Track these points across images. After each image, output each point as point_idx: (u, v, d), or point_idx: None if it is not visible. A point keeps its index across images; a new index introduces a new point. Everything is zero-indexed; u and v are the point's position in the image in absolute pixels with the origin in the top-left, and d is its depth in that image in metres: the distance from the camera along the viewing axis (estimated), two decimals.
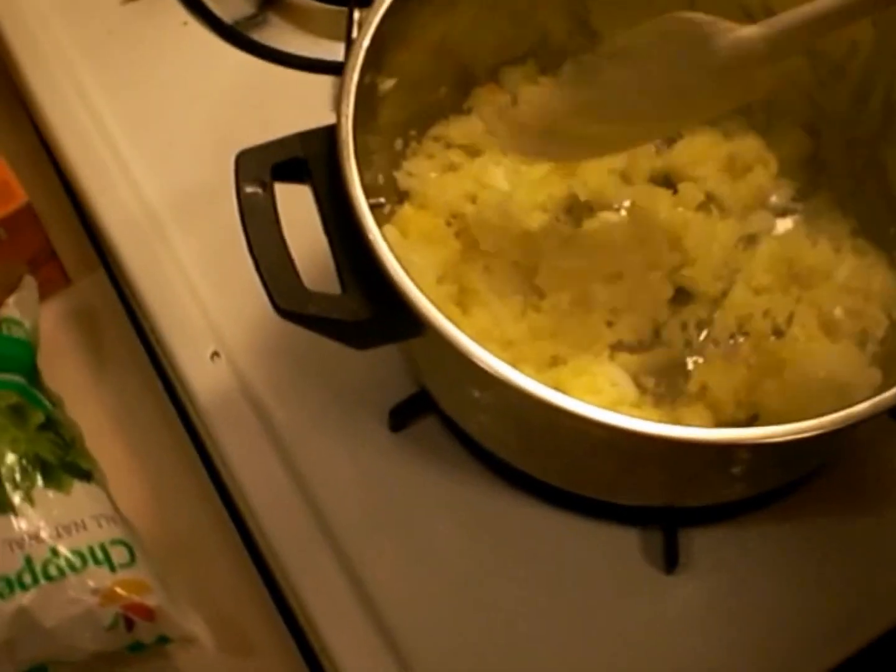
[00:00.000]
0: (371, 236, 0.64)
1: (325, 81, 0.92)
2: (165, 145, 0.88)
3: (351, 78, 0.68)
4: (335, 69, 0.92)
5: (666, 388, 0.78)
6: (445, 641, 0.74)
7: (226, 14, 0.94)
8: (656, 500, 0.76)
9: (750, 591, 0.75)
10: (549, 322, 0.76)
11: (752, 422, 0.75)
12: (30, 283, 0.84)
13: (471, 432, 0.76)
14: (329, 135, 0.68)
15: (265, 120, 0.87)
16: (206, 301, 0.82)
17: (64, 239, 0.87)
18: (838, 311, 0.78)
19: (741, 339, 0.79)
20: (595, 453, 0.69)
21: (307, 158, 0.68)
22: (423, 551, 0.77)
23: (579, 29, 0.83)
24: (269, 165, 0.67)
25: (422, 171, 0.80)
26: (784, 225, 0.84)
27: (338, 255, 0.66)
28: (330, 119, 0.84)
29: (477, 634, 0.74)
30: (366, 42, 0.70)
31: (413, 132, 0.80)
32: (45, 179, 0.89)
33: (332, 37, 0.95)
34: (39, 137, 0.93)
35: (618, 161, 0.82)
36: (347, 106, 0.68)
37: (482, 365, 0.61)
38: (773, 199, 0.85)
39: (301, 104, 0.89)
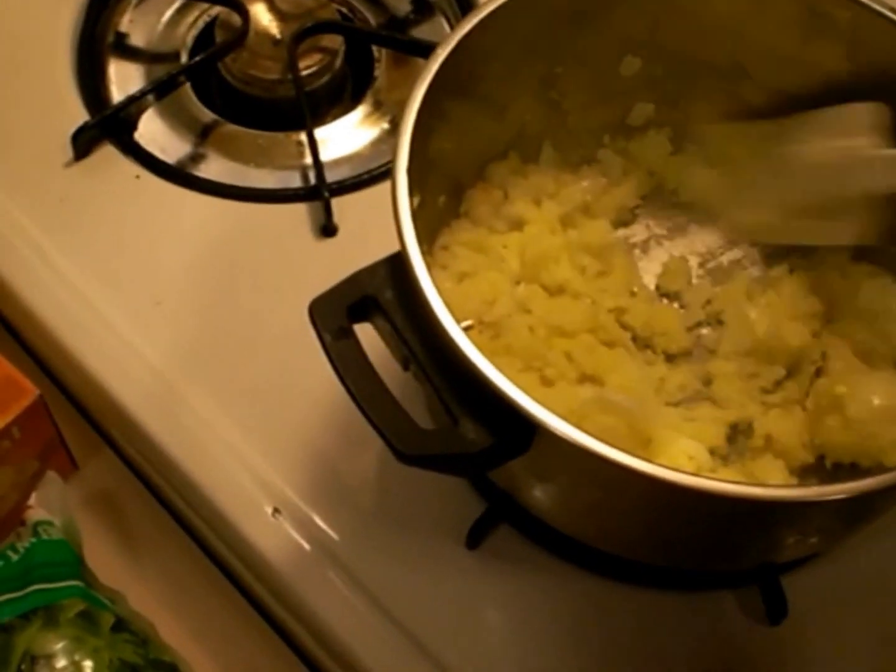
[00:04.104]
0: (482, 365, 0.61)
1: (280, 209, 0.91)
2: (152, 304, 0.85)
3: (403, 203, 0.67)
4: (285, 197, 0.92)
5: (731, 446, 0.77)
6: None
7: (168, 157, 0.92)
8: (753, 561, 0.75)
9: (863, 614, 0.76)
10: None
11: (820, 462, 0.76)
12: (51, 479, 0.79)
13: (564, 528, 0.75)
14: (391, 267, 0.66)
15: (237, 256, 0.88)
16: (248, 458, 0.79)
17: (60, 425, 0.82)
18: (868, 337, 0.78)
19: (789, 384, 0.78)
20: (703, 523, 0.69)
21: (376, 295, 0.65)
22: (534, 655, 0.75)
23: (552, 112, 0.83)
24: (343, 310, 0.65)
25: (440, 284, 0.77)
26: (782, 268, 0.84)
27: (439, 388, 0.64)
28: (300, 245, 0.88)
29: None
30: (405, 165, 0.68)
31: (425, 246, 0.78)
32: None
33: (266, 163, 0.94)
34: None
35: None
36: (410, 234, 0.65)
37: (621, 463, 0.60)
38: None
39: (266, 235, 0.89)
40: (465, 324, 0.63)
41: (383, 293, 0.65)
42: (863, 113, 0.72)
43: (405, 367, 0.66)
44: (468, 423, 0.63)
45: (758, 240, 0.81)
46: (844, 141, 0.72)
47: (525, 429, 0.61)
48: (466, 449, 0.63)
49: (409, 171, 0.67)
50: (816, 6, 0.76)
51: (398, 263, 0.65)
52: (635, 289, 0.82)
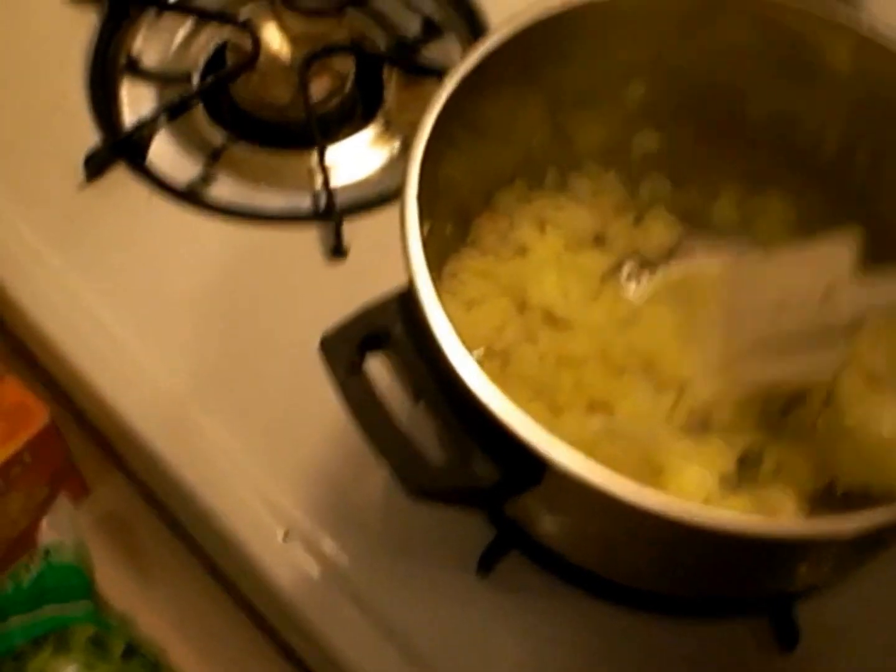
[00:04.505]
0: (492, 401, 0.62)
1: (291, 231, 0.91)
2: (163, 326, 0.85)
3: (413, 236, 0.67)
4: (295, 218, 0.92)
5: (741, 473, 0.78)
6: None
7: (180, 178, 0.92)
8: (765, 591, 0.76)
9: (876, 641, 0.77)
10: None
11: (831, 487, 0.76)
12: (62, 503, 0.80)
13: (574, 558, 0.76)
14: (401, 300, 0.66)
15: (248, 278, 0.88)
16: (259, 481, 0.79)
17: (73, 447, 0.83)
18: (878, 361, 0.78)
19: (798, 411, 0.79)
20: (714, 556, 0.69)
21: (386, 328, 0.66)
22: None
23: (557, 137, 0.83)
24: (355, 345, 0.65)
25: (449, 311, 0.78)
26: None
27: (449, 422, 0.64)
28: (310, 267, 0.88)
29: None
30: (414, 192, 0.68)
31: (434, 273, 0.78)
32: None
33: (277, 184, 0.94)
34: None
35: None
36: (421, 267, 0.66)
37: (633, 502, 0.60)
38: None
39: (277, 257, 0.89)
40: (475, 355, 0.63)
41: (394, 326, 0.66)
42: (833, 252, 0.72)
43: (415, 400, 0.66)
44: (478, 457, 0.63)
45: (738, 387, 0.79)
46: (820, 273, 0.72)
47: (535, 464, 0.61)
48: (476, 483, 0.63)
49: (419, 199, 0.68)
50: (818, 32, 0.77)
51: (408, 297, 0.65)
52: (621, 317, 0.81)
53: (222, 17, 0.99)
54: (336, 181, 0.92)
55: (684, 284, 0.84)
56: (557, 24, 0.76)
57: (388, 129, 0.96)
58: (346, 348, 0.65)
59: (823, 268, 0.72)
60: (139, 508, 0.85)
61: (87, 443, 0.86)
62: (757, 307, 0.75)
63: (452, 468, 0.64)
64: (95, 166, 0.90)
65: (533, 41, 0.76)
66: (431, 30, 1.02)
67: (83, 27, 0.99)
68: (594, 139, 0.84)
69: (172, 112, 0.94)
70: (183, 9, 1.01)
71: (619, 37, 0.79)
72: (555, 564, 0.77)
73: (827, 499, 0.76)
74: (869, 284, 0.69)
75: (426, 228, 0.68)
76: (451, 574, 0.77)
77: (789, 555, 0.67)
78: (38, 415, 0.77)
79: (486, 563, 0.77)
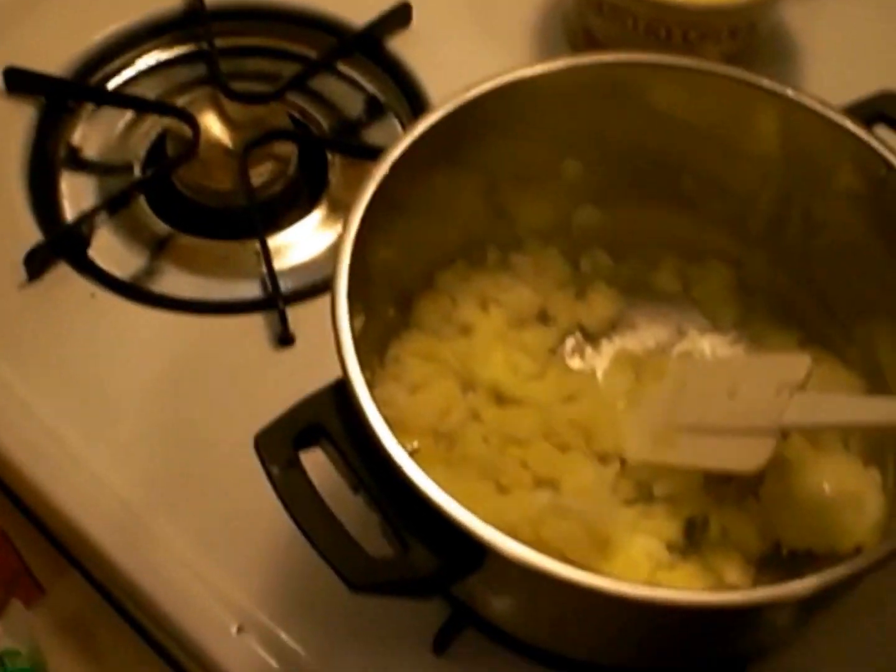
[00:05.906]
0: (428, 490, 0.62)
1: (238, 321, 0.91)
2: (110, 425, 0.85)
3: (344, 326, 0.67)
4: (242, 307, 0.92)
5: (689, 539, 0.78)
6: None
7: (124, 273, 0.92)
8: (717, 657, 0.76)
9: None
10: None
11: (777, 549, 0.77)
12: (16, 607, 0.79)
13: (524, 636, 0.76)
14: (335, 392, 0.66)
15: (195, 371, 0.88)
16: (210, 576, 0.79)
17: (24, 549, 0.82)
18: None
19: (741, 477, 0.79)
20: (661, 629, 0.70)
21: (322, 422, 0.66)
22: None
23: (496, 216, 0.84)
24: (289, 440, 0.65)
25: (393, 396, 0.78)
26: (736, 352, 0.85)
27: (387, 513, 0.64)
28: (258, 356, 0.88)
29: None
30: (344, 286, 0.68)
31: (375, 359, 0.79)
32: None
33: (224, 274, 0.94)
34: None
35: None
36: (353, 363, 0.66)
37: (572, 580, 0.61)
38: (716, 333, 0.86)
39: (224, 348, 0.89)
40: (411, 447, 0.63)
41: (329, 420, 0.66)
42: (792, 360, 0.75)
43: (355, 492, 0.66)
44: (418, 546, 0.63)
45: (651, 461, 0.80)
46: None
47: (475, 549, 0.62)
48: (416, 574, 0.63)
49: (351, 288, 0.68)
50: (746, 98, 0.78)
51: (342, 389, 0.65)
52: (566, 393, 0.82)
53: (161, 108, 0.99)
54: (283, 266, 0.92)
55: (626, 357, 0.84)
56: (487, 102, 0.77)
57: (335, 212, 0.96)
58: (280, 444, 0.65)
59: (780, 370, 0.73)
60: (96, 606, 0.84)
61: (40, 543, 0.85)
62: (707, 390, 0.76)
63: (392, 560, 0.64)
64: (36, 265, 0.89)
65: (464, 121, 0.76)
66: (374, 109, 1.02)
67: (21, 120, 0.99)
68: (534, 217, 0.85)
69: (113, 205, 0.94)
70: (121, 101, 1.01)
71: (550, 112, 0.80)
72: (510, 641, 0.77)
73: (773, 560, 0.77)
74: (818, 399, 0.72)
75: (362, 315, 0.69)
76: (408, 655, 0.77)
77: (736, 622, 0.68)
78: None
79: (442, 642, 0.77)
